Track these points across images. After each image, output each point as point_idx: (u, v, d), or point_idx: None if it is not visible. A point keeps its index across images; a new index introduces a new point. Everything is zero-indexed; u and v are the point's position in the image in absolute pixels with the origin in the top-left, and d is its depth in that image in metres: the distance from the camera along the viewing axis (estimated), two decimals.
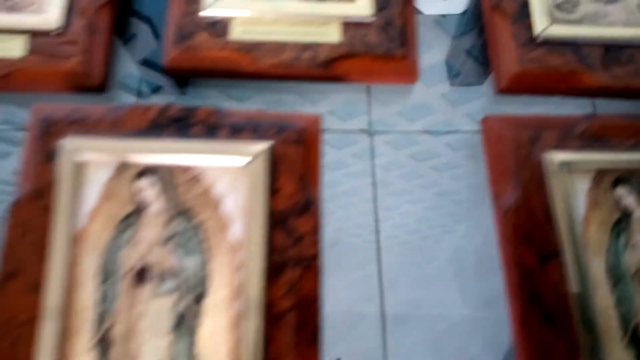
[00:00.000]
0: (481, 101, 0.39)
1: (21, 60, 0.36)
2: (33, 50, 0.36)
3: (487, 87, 0.39)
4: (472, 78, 0.41)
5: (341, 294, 0.34)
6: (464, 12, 0.44)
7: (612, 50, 0.38)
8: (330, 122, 0.37)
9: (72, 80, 0.36)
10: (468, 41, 0.42)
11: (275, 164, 0.32)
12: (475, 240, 0.36)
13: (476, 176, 0.36)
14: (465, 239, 0.36)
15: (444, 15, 0.45)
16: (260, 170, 0.31)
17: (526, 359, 0.30)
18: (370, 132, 0.38)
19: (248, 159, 0.32)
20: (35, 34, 0.36)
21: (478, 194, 0.36)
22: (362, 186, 0.37)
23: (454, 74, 0.41)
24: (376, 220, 0.36)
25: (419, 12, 0.42)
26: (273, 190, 0.31)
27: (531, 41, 0.38)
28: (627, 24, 0.39)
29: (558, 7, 0.39)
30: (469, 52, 0.42)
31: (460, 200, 0.37)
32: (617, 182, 0.34)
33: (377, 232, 0.36)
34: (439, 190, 0.38)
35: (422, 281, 0.35)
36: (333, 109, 0.39)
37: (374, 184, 0.37)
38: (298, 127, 0.33)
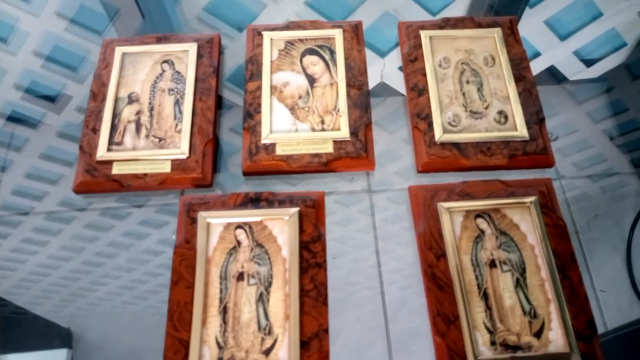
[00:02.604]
0: (409, 178, 0.71)
1: (169, 173, 0.69)
2: (175, 168, 0.70)
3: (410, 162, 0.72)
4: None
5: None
6: None
7: (479, 145, 0.70)
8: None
9: (195, 182, 0.69)
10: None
11: (302, 218, 0.64)
12: None
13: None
14: None
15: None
16: (294, 222, 0.63)
17: (431, 309, 0.61)
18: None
19: (288, 217, 0.64)
20: (174, 160, 0.71)
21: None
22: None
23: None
24: None
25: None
26: (301, 231, 0.63)
27: (434, 143, 0.70)
28: (487, 130, 0.71)
29: (449, 124, 0.71)
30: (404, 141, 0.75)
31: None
32: (477, 216, 0.65)
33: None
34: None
35: None
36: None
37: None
38: (312, 198, 0.66)
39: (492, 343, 0.58)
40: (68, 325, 0.64)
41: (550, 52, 0.84)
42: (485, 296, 0.60)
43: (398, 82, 0.77)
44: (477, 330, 0.59)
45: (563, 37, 0.87)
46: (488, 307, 0.60)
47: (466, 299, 0.60)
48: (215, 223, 0.64)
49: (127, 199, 0.70)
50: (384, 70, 0.81)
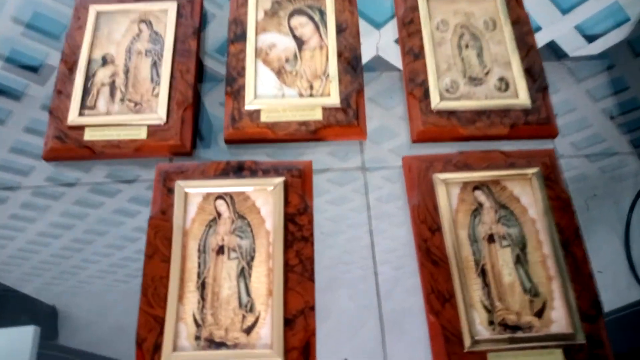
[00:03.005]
0: (403, 147, 0.67)
1: (146, 140, 0.64)
2: (150, 134, 0.64)
3: (406, 139, 0.67)
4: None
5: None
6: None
7: (477, 114, 0.65)
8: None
9: (174, 150, 0.64)
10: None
11: (287, 189, 0.59)
12: None
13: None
14: None
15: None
16: (279, 192, 0.59)
17: (425, 286, 0.57)
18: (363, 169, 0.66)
19: (272, 187, 0.59)
20: (151, 125, 0.65)
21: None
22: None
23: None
24: None
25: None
26: (286, 202, 0.59)
27: (430, 111, 0.65)
28: (486, 97, 0.66)
29: (446, 90, 0.67)
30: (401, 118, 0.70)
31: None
32: (475, 188, 0.61)
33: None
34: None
35: None
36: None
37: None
38: (298, 168, 0.61)
39: (490, 322, 0.54)
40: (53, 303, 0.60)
41: (551, 27, 0.79)
42: (483, 273, 0.56)
43: (394, 56, 0.72)
44: (474, 309, 0.55)
45: (565, 11, 0.82)
46: (486, 285, 0.56)
47: (462, 276, 0.56)
48: (193, 193, 0.59)
49: (101, 168, 0.65)
50: (380, 42, 0.75)
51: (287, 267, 0.55)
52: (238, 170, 0.61)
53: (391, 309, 0.57)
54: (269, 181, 0.59)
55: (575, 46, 0.77)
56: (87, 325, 0.58)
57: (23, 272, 0.61)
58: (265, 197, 0.59)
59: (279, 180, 0.59)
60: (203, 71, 0.71)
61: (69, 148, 0.64)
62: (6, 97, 0.70)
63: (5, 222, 0.63)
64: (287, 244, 0.57)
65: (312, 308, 0.54)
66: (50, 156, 0.64)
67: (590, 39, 0.79)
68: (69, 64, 0.68)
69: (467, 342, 0.53)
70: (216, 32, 0.74)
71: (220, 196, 0.59)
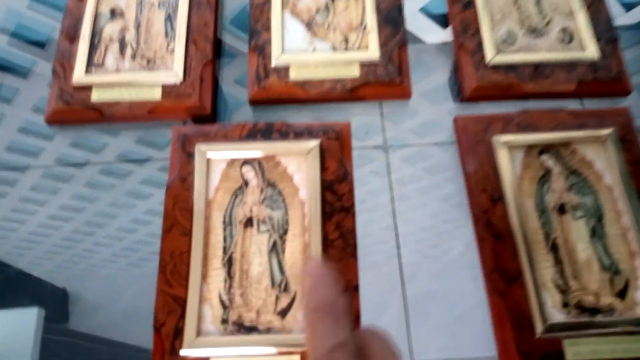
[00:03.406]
0: (454, 106, 0.58)
1: (160, 101, 0.57)
2: (166, 94, 0.57)
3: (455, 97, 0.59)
4: None
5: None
6: None
7: (538, 69, 0.57)
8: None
9: (192, 111, 0.56)
10: None
11: (323, 153, 0.52)
12: None
13: None
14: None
15: (445, 44, 0.62)
16: (315, 157, 0.51)
17: (486, 263, 0.49)
18: (384, 148, 0.57)
19: (307, 150, 0.52)
20: (166, 85, 0.58)
21: None
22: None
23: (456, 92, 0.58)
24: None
25: (421, 41, 0.61)
26: (323, 168, 0.51)
27: (484, 66, 0.57)
28: (548, 50, 0.58)
29: (502, 42, 0.58)
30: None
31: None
32: (541, 152, 0.52)
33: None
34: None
35: None
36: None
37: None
38: (336, 129, 0.53)
39: (565, 305, 0.46)
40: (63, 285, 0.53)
41: None
42: (554, 248, 0.48)
43: (419, 26, 0.63)
44: (545, 289, 0.47)
45: None
46: (558, 262, 0.48)
47: (531, 251, 0.48)
48: (216, 159, 0.52)
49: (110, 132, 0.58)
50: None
51: (326, 242, 0.48)
52: (267, 132, 0.53)
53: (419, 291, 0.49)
54: (302, 145, 0.52)
55: None
56: (98, 309, 0.51)
57: (35, 255, 0.54)
58: (298, 162, 0.51)
59: (314, 143, 0.51)
60: (221, 47, 0.62)
61: (75, 110, 0.56)
62: (12, 74, 0.62)
63: (15, 205, 0.56)
64: (325, 216, 0.49)
65: (356, 288, 0.47)
66: (54, 119, 0.57)
67: None
68: (74, 19, 0.60)
69: (539, 327, 0.45)
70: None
71: (247, 162, 0.52)
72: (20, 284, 0.54)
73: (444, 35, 0.62)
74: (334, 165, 0.51)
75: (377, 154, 0.56)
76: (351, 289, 0.46)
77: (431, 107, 0.58)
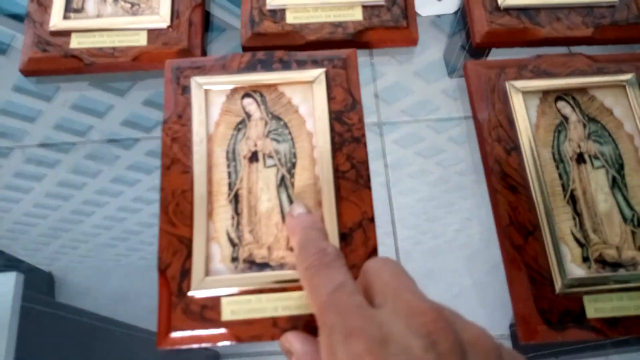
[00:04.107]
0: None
1: (146, 47, 0.52)
2: (152, 40, 0.52)
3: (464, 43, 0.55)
4: None
5: None
6: (456, 12, 0.58)
7: (553, 12, 0.53)
8: None
9: (181, 57, 0.52)
10: (462, 38, 0.57)
11: (329, 82, 0.47)
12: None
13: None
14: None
15: (439, 16, 0.59)
16: (321, 86, 0.47)
17: (501, 216, 0.46)
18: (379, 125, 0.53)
19: (312, 79, 0.47)
20: (152, 30, 0.53)
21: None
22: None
23: (451, 69, 0.55)
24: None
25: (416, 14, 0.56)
26: (330, 97, 0.47)
27: (496, 8, 0.53)
28: None
29: None
30: (463, 48, 0.57)
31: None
32: (557, 99, 0.49)
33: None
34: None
35: None
36: None
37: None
38: (341, 57, 0.49)
39: (585, 259, 0.43)
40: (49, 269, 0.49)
41: None
42: (572, 199, 0.45)
43: None
44: (563, 243, 0.44)
45: None
46: (577, 214, 0.45)
47: (548, 203, 0.44)
48: (215, 90, 0.48)
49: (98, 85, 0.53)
50: None
51: (338, 174, 0.44)
52: (267, 63, 0.49)
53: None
54: (306, 73, 0.48)
55: None
56: (86, 293, 0.48)
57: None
58: (303, 92, 0.47)
59: (319, 71, 0.48)
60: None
61: (53, 57, 0.51)
62: None
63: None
64: (335, 147, 0.45)
65: (372, 219, 0.43)
66: (30, 69, 0.52)
67: None
68: None
69: (558, 283, 0.42)
70: None
71: (247, 94, 0.48)
72: None
73: (438, 7, 0.58)
74: (342, 94, 0.47)
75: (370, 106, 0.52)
76: (367, 220, 0.43)
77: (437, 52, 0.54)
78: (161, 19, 0.52)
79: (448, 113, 0.53)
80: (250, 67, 0.48)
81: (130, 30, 0.52)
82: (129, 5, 0.53)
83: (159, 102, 0.53)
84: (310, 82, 0.47)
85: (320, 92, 0.47)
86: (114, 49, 0.52)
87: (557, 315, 0.42)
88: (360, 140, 0.46)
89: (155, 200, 0.48)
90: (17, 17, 0.58)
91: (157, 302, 0.41)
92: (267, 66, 0.48)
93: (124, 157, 0.52)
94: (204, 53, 0.53)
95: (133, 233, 0.50)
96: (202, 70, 0.48)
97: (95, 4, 0.54)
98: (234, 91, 0.48)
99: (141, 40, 0.52)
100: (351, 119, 0.46)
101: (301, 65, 0.48)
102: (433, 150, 0.52)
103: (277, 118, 0.47)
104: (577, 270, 0.43)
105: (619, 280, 0.42)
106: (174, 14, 0.53)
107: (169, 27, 0.52)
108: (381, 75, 0.54)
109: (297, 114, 0.47)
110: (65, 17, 0.53)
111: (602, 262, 0.43)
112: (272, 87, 0.48)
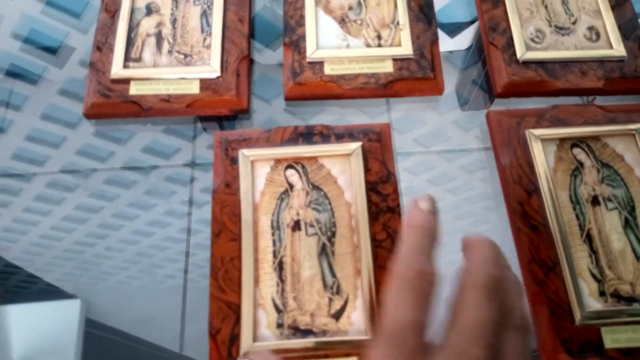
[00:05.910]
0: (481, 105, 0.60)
1: (198, 94, 0.57)
2: (204, 88, 0.58)
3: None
4: (478, 103, 0.61)
5: None
6: (469, 48, 0.65)
7: (567, 65, 0.58)
8: None
9: (229, 105, 0.57)
10: (473, 72, 0.63)
11: (365, 154, 0.52)
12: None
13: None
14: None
15: (451, 52, 0.65)
16: (358, 159, 0.51)
17: (524, 254, 0.50)
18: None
19: (350, 152, 0.52)
20: (204, 79, 0.58)
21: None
22: None
23: (462, 102, 0.61)
24: None
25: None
26: (366, 169, 0.51)
27: (515, 62, 0.59)
28: (576, 48, 0.59)
29: (531, 40, 0.60)
30: (474, 82, 0.63)
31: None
32: (573, 146, 0.54)
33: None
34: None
35: None
36: None
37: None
38: (376, 131, 0.54)
39: (602, 293, 0.48)
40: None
41: None
42: (589, 238, 0.50)
43: None
44: (581, 279, 0.48)
45: None
46: (593, 251, 0.49)
47: (566, 242, 0.49)
48: (261, 163, 0.52)
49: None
50: None
51: (375, 242, 0.49)
52: (308, 136, 0.53)
53: None
54: (345, 147, 0.52)
55: None
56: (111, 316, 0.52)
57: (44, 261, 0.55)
58: (341, 164, 0.52)
59: (356, 145, 0.52)
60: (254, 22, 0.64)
61: (114, 103, 0.57)
62: (22, 80, 0.63)
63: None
64: (372, 217, 0.50)
65: None
66: (92, 113, 0.58)
67: None
68: (111, 13, 0.61)
69: (577, 315, 0.46)
70: None
71: (290, 165, 0.52)
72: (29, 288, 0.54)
73: (451, 44, 0.63)
74: (377, 166, 0.52)
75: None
76: None
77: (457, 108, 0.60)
78: (212, 69, 0.57)
79: (459, 145, 0.57)
80: (293, 140, 0.53)
81: (184, 79, 0.58)
82: (182, 56, 0.59)
83: (179, 130, 0.59)
84: (348, 155, 0.52)
85: (357, 164, 0.51)
86: (169, 95, 0.57)
87: (577, 345, 0.46)
88: (395, 210, 0.50)
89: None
90: (49, 50, 0.65)
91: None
92: (307, 139, 0.53)
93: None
94: (249, 101, 0.58)
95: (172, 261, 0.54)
96: (248, 142, 0.53)
97: (152, 54, 0.59)
98: (278, 162, 0.52)
99: (194, 88, 0.57)
100: (386, 189, 0.51)
101: (339, 138, 0.53)
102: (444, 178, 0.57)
103: (318, 188, 0.51)
104: (594, 304, 0.47)
105: (633, 314, 0.46)
106: (223, 64, 0.58)
107: (219, 77, 0.57)
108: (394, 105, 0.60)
109: (336, 184, 0.51)
110: (125, 67, 0.58)
111: (617, 296, 0.47)
112: (313, 159, 0.52)
